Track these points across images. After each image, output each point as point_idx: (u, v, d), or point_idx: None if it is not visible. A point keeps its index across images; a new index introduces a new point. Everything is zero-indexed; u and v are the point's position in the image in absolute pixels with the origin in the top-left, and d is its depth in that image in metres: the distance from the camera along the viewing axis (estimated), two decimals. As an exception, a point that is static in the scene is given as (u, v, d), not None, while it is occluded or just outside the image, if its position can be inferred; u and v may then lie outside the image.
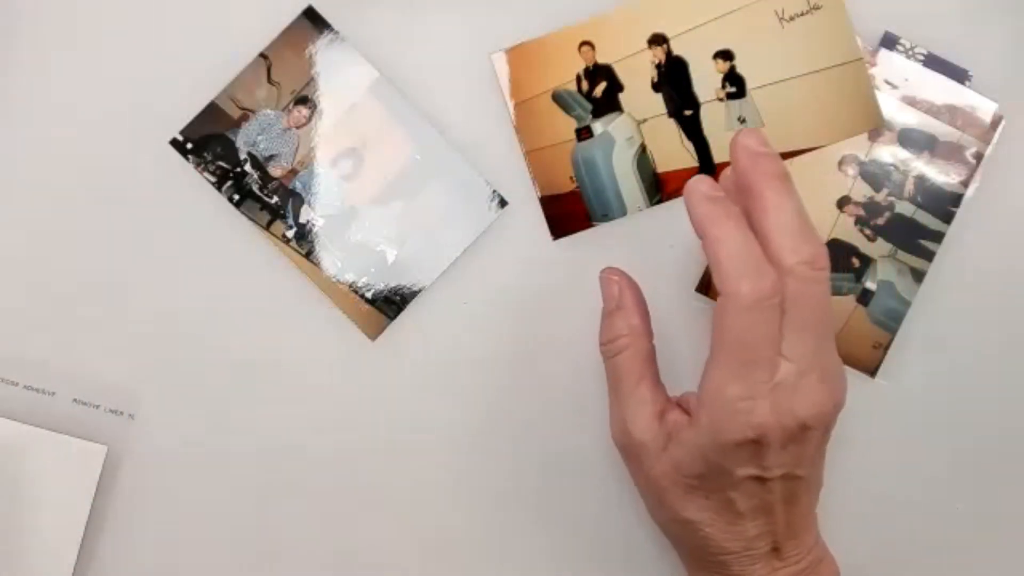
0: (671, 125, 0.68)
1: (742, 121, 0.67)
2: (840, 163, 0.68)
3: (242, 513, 0.69)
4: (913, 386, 0.69)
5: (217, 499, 0.69)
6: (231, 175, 0.67)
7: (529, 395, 0.70)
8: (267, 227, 0.68)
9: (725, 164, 0.67)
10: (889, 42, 0.68)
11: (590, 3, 0.68)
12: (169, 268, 0.68)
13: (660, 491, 0.58)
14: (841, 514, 0.68)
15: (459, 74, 0.69)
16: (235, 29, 0.67)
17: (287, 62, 0.67)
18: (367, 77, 0.68)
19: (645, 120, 0.68)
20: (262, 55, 0.67)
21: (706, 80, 0.68)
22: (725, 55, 0.67)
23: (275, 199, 0.68)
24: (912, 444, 0.69)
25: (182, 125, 0.67)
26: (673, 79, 0.68)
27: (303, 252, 0.68)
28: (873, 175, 0.68)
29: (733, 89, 0.68)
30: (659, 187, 0.68)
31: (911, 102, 0.68)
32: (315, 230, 0.68)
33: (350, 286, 0.68)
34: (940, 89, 0.68)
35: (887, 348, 0.68)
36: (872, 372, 0.68)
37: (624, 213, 0.68)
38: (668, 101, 0.68)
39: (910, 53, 0.68)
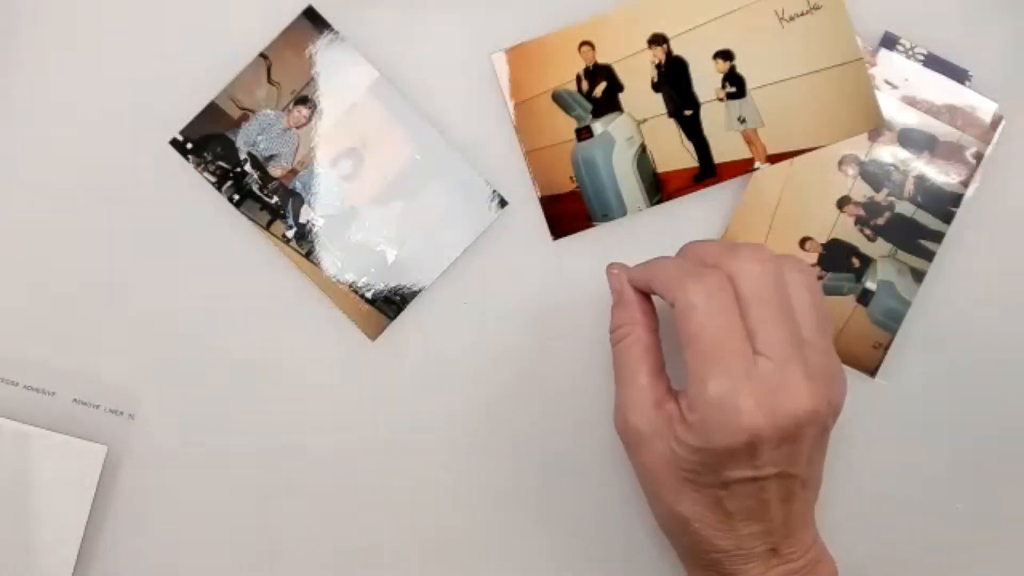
0: (671, 125, 0.68)
1: (742, 121, 0.68)
2: (840, 163, 0.68)
3: (242, 513, 0.69)
4: (913, 386, 0.69)
5: (217, 499, 0.69)
6: (231, 175, 0.68)
7: (529, 395, 0.70)
8: (267, 227, 0.68)
9: (725, 164, 0.68)
10: (889, 42, 0.68)
11: (590, 3, 0.68)
12: (169, 268, 0.68)
13: (656, 481, 0.58)
14: (841, 514, 0.68)
15: (459, 74, 0.69)
16: (235, 29, 0.68)
17: (287, 62, 0.68)
18: (367, 77, 0.68)
19: (645, 120, 0.68)
20: (262, 55, 0.67)
21: (706, 80, 0.68)
22: (725, 55, 0.68)
23: (275, 199, 0.68)
24: (912, 444, 0.69)
25: (182, 125, 0.67)
26: (673, 79, 0.68)
27: (303, 252, 0.68)
28: (873, 175, 0.68)
29: (733, 89, 0.68)
30: (659, 187, 0.68)
31: (911, 102, 0.68)
32: (315, 230, 0.68)
33: (350, 286, 0.68)
34: (940, 89, 0.68)
35: (887, 348, 0.68)
36: (872, 372, 0.68)
37: (624, 213, 0.68)
38: (668, 101, 0.68)
39: (910, 53, 0.68)
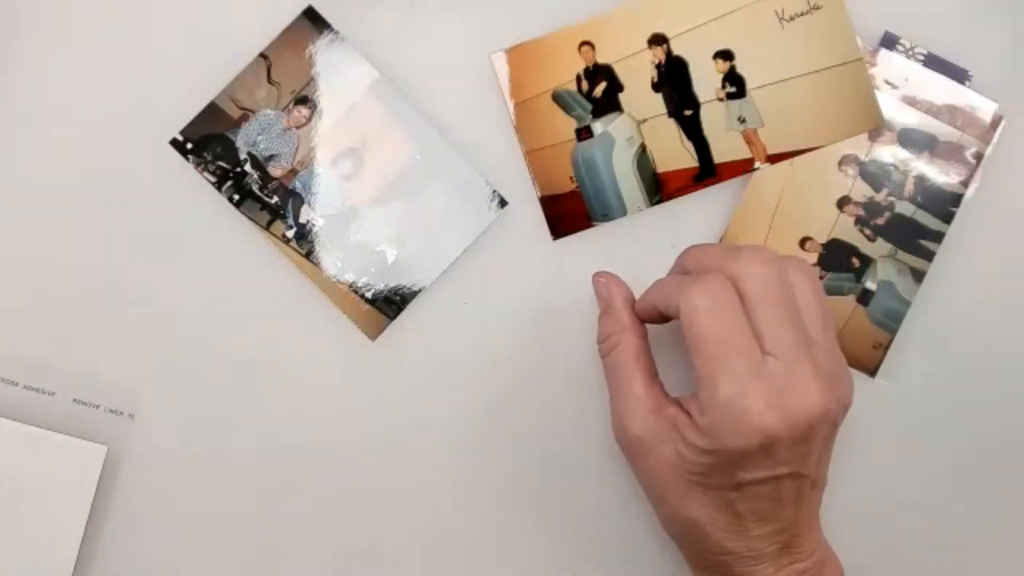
0: (671, 125, 0.68)
1: (742, 121, 0.68)
2: (840, 163, 0.68)
3: (242, 513, 0.70)
4: (913, 386, 0.69)
5: (217, 499, 0.70)
6: (231, 175, 0.68)
7: (529, 395, 0.70)
8: (267, 227, 0.68)
9: (725, 164, 0.68)
10: (889, 42, 0.68)
11: (590, 3, 0.68)
12: (169, 268, 0.68)
13: (661, 486, 0.59)
14: (841, 514, 0.68)
15: (459, 74, 0.69)
16: (235, 29, 0.68)
17: (287, 62, 0.68)
18: (367, 77, 0.68)
19: (645, 120, 0.68)
20: (262, 55, 0.68)
21: (706, 80, 0.68)
22: (725, 55, 0.68)
23: (275, 199, 0.68)
24: (912, 444, 0.69)
25: (182, 125, 0.67)
26: (673, 79, 0.68)
27: (303, 252, 0.68)
28: (873, 175, 0.68)
29: (733, 89, 0.68)
30: (659, 187, 0.68)
31: (911, 102, 0.68)
32: (315, 230, 0.68)
33: (350, 286, 0.68)
34: (940, 89, 0.68)
35: (887, 348, 0.68)
36: (872, 372, 0.68)
37: (624, 213, 0.68)
38: (668, 101, 0.68)
39: (910, 53, 0.68)
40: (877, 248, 0.68)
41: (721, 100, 0.68)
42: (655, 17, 0.68)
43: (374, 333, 0.69)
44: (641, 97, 0.68)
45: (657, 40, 0.68)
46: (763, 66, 0.68)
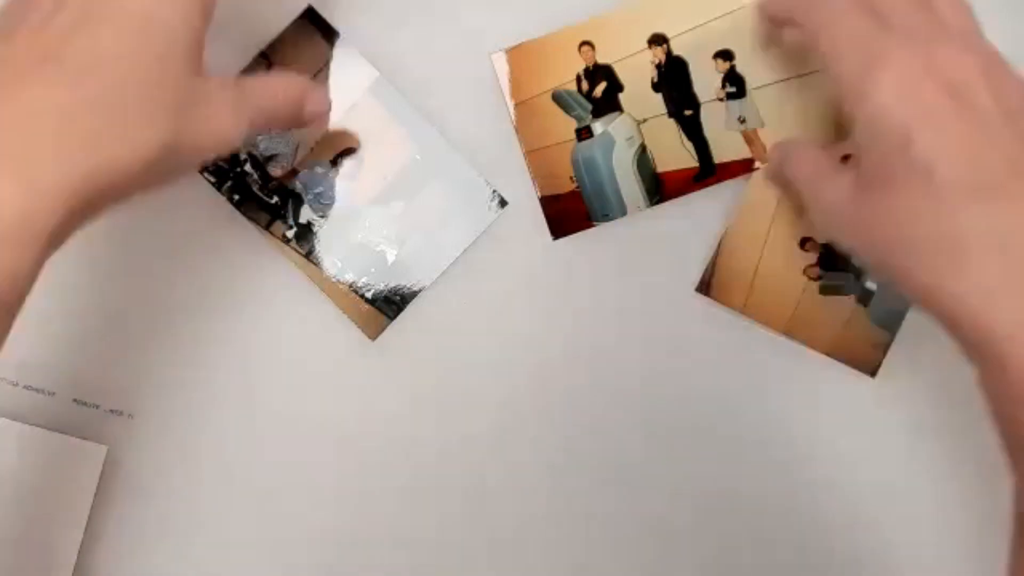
0: (671, 125, 0.68)
1: (742, 121, 0.68)
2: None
3: (242, 513, 0.70)
4: (913, 386, 0.69)
5: (217, 499, 0.70)
6: (231, 175, 0.68)
7: (529, 394, 0.70)
8: (267, 227, 0.68)
9: (725, 164, 0.68)
10: None
11: (590, 3, 0.68)
12: (169, 268, 0.69)
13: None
14: (841, 514, 0.69)
15: (459, 74, 0.70)
16: (235, 29, 0.68)
17: (287, 62, 0.68)
18: (367, 77, 0.68)
19: (645, 120, 0.69)
20: (262, 55, 0.68)
21: (706, 80, 0.68)
22: (725, 55, 0.68)
23: (275, 199, 0.68)
24: (912, 444, 0.70)
25: None
26: (673, 79, 0.68)
27: (303, 252, 0.68)
28: None
29: (733, 89, 0.68)
30: (659, 187, 0.68)
31: None
32: (315, 230, 0.68)
33: (350, 286, 0.69)
34: None
35: (887, 348, 0.68)
36: (872, 372, 0.68)
37: (624, 213, 0.69)
38: (668, 101, 0.68)
39: None
40: None
41: (721, 100, 0.68)
42: (655, 17, 0.68)
43: (374, 333, 0.69)
44: (641, 97, 0.69)
45: (657, 40, 0.68)
46: (763, 66, 0.68)
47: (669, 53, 0.68)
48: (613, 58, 0.68)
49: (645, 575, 0.71)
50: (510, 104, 0.69)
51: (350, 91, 0.68)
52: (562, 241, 0.69)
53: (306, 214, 0.68)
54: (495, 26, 0.69)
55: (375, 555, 0.71)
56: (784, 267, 0.68)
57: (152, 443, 0.70)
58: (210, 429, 0.70)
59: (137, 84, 0.51)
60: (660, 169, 0.69)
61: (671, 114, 0.69)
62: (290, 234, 0.68)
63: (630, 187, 0.69)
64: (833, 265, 0.68)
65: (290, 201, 0.68)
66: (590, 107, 0.69)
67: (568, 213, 0.69)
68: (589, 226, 0.69)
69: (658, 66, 0.68)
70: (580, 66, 0.69)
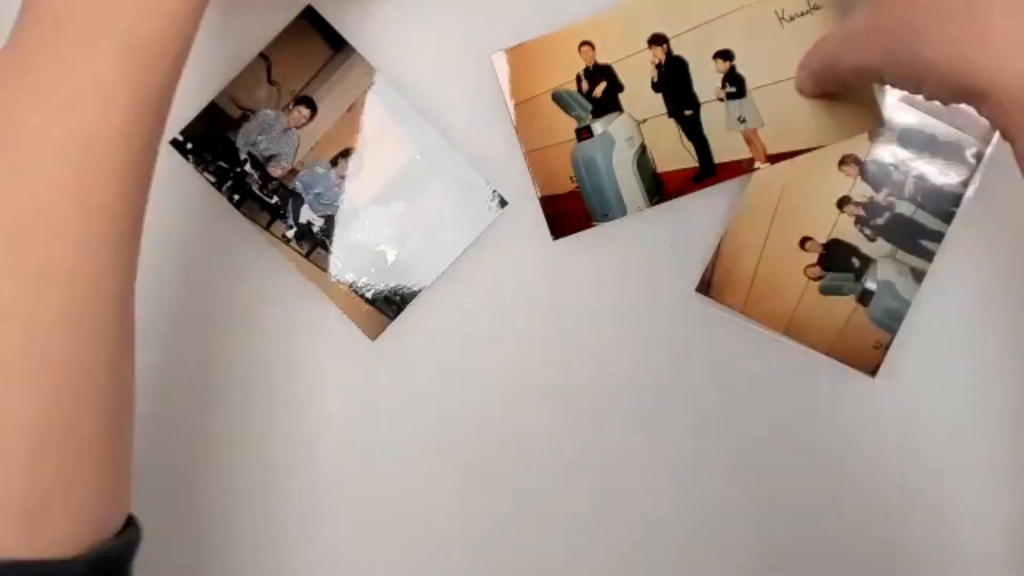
0: (671, 125, 0.69)
1: (742, 121, 0.68)
2: (840, 163, 0.69)
3: (242, 513, 0.71)
4: (913, 386, 0.70)
5: (216, 499, 0.70)
6: (231, 175, 0.68)
7: (528, 394, 0.71)
8: (267, 227, 0.69)
9: (725, 164, 0.68)
10: None
11: (590, 3, 0.69)
12: (169, 267, 0.69)
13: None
14: (841, 514, 0.69)
15: (459, 74, 0.70)
16: (235, 29, 0.68)
17: (287, 62, 0.68)
18: (367, 77, 0.69)
19: (645, 120, 0.69)
20: (262, 55, 0.68)
21: (706, 80, 0.69)
22: (725, 55, 0.68)
23: (275, 199, 0.69)
24: (912, 444, 0.70)
25: (182, 125, 0.68)
26: (673, 79, 0.69)
27: (303, 252, 0.69)
28: (873, 175, 0.69)
29: (733, 89, 0.68)
30: (659, 187, 0.69)
31: (911, 102, 0.68)
32: (315, 230, 0.69)
33: (350, 286, 0.69)
34: None
35: (887, 348, 0.68)
36: (872, 372, 0.69)
37: (624, 213, 0.69)
38: (668, 101, 0.69)
39: None
40: (877, 248, 0.69)
41: (721, 100, 0.68)
42: (655, 17, 0.68)
43: (374, 333, 0.69)
44: (641, 97, 0.69)
45: (657, 40, 0.68)
46: (763, 66, 0.68)
47: (669, 53, 0.68)
48: (613, 58, 0.69)
49: (641, 573, 0.71)
50: (510, 104, 0.69)
51: (350, 91, 0.69)
52: (562, 241, 0.70)
53: (306, 214, 0.69)
54: (495, 26, 0.70)
55: (376, 554, 0.71)
56: (784, 267, 0.69)
57: (152, 443, 0.68)
58: (210, 429, 0.70)
59: None
60: (660, 169, 0.69)
61: (671, 114, 0.69)
62: (290, 234, 0.69)
63: (630, 187, 0.69)
64: (833, 265, 0.69)
65: (290, 201, 0.69)
66: (590, 107, 0.69)
67: (568, 213, 0.69)
68: (589, 226, 0.69)
69: (658, 66, 0.69)
70: (580, 66, 0.69)
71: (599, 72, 0.69)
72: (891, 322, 0.69)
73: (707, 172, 0.69)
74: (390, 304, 0.69)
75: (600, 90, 0.69)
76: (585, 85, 0.69)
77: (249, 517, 0.71)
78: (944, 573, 0.70)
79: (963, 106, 0.67)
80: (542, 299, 0.71)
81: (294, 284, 0.69)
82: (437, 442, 0.71)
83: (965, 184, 0.68)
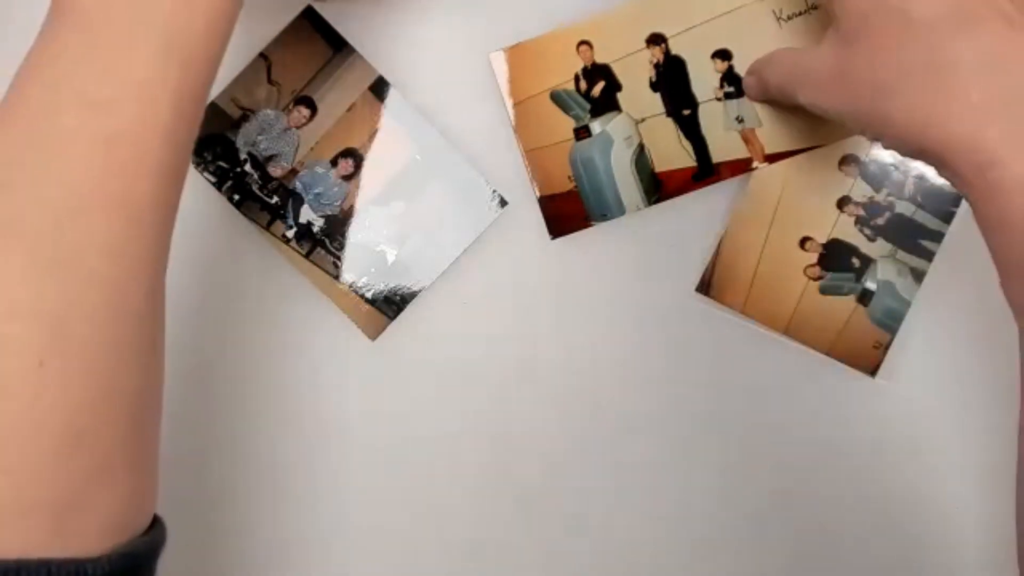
0: (669, 124, 0.69)
1: (740, 120, 0.69)
2: (840, 163, 0.69)
3: (242, 513, 0.71)
4: (913, 386, 0.70)
5: (216, 499, 0.71)
6: (231, 175, 0.69)
7: (528, 394, 0.71)
8: (267, 227, 0.69)
9: (723, 164, 0.69)
10: None
11: (589, 3, 0.69)
12: (169, 268, 0.68)
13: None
14: (841, 514, 0.70)
15: (458, 74, 0.71)
16: (235, 29, 0.68)
17: (287, 62, 0.69)
18: (367, 77, 0.70)
19: (643, 119, 0.70)
20: (262, 55, 0.69)
21: (704, 79, 0.69)
22: (723, 55, 0.69)
23: (275, 199, 0.69)
24: (912, 444, 0.70)
25: None
26: (671, 78, 0.69)
27: (303, 252, 0.69)
28: (873, 175, 0.69)
29: (731, 88, 0.69)
30: (657, 186, 0.69)
31: None
32: (315, 230, 0.69)
33: (350, 286, 0.70)
34: None
35: (887, 348, 0.69)
36: (872, 372, 0.69)
37: (622, 213, 0.69)
38: (666, 100, 0.69)
39: None
40: (877, 248, 0.69)
41: (719, 100, 0.69)
42: (653, 17, 0.69)
43: (374, 333, 0.70)
44: (639, 96, 0.70)
45: (655, 40, 0.69)
46: (762, 66, 0.69)
47: (667, 52, 0.69)
48: (611, 57, 0.69)
49: (641, 572, 0.72)
50: (509, 104, 0.70)
51: (350, 91, 0.70)
52: (560, 241, 0.70)
53: (306, 214, 0.69)
54: (494, 26, 0.70)
55: (377, 555, 0.71)
56: (784, 267, 0.69)
57: None
58: (210, 429, 0.71)
59: None
60: (658, 169, 0.69)
61: (669, 113, 0.69)
62: (290, 234, 0.69)
63: (628, 187, 0.69)
64: (833, 265, 0.69)
65: (290, 201, 0.69)
66: (588, 107, 0.70)
67: (567, 213, 0.70)
68: (587, 226, 0.70)
69: (656, 65, 0.69)
70: (578, 66, 0.70)
71: (597, 71, 0.70)
72: (891, 322, 0.69)
73: (705, 172, 0.69)
74: (390, 304, 0.70)
75: (598, 90, 0.70)
76: (583, 85, 0.70)
77: (248, 517, 0.71)
78: (945, 573, 0.70)
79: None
80: (541, 299, 0.71)
81: (294, 284, 0.70)
82: (437, 442, 0.71)
83: (965, 183, 0.69)
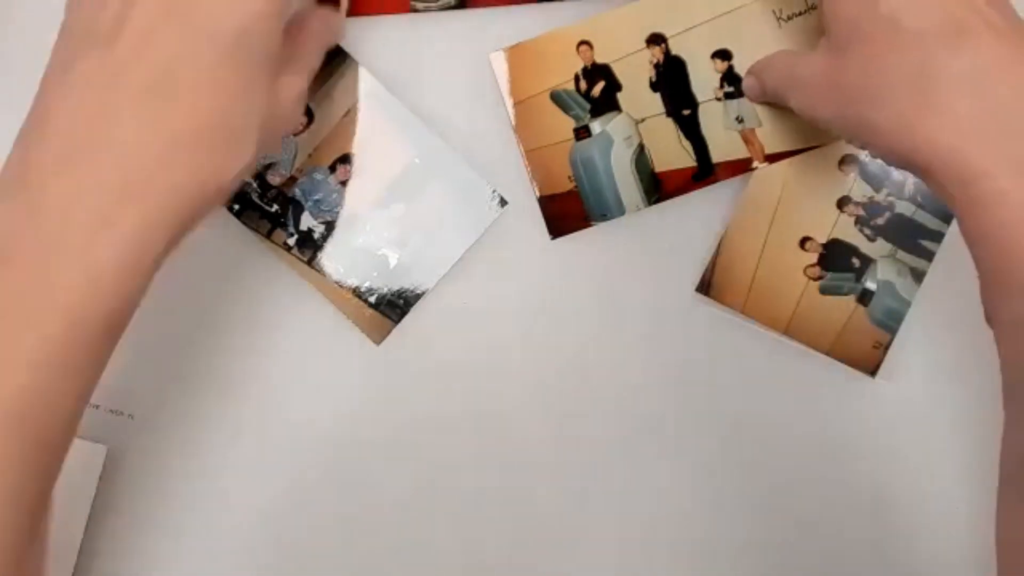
0: (669, 124, 0.70)
1: (740, 120, 0.69)
2: (840, 163, 0.70)
3: (243, 515, 0.72)
4: (913, 386, 0.71)
5: (217, 500, 0.72)
6: (230, 184, 0.69)
7: (529, 394, 0.72)
8: (268, 235, 0.69)
9: (723, 164, 0.69)
10: None
11: (588, 3, 0.70)
12: (171, 279, 0.66)
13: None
14: (841, 514, 0.71)
15: (458, 74, 0.71)
16: None
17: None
18: (364, 81, 0.70)
19: (643, 120, 0.70)
20: (258, 63, 0.69)
21: (704, 79, 0.70)
22: (723, 55, 0.69)
23: (275, 207, 0.69)
24: (912, 444, 0.71)
25: None
26: (671, 78, 0.70)
27: (305, 259, 0.70)
28: (873, 175, 0.70)
29: (731, 88, 0.69)
30: (657, 187, 0.70)
31: None
32: (316, 236, 0.70)
33: (353, 291, 0.70)
34: None
35: (887, 348, 0.70)
36: (872, 372, 0.70)
37: (622, 213, 0.70)
38: (666, 100, 0.70)
39: None
40: (877, 248, 0.70)
41: (719, 100, 0.70)
42: (653, 17, 0.69)
43: (379, 337, 0.71)
44: (639, 96, 0.70)
45: (655, 39, 0.69)
46: (761, 66, 0.69)
47: (667, 52, 0.69)
48: (611, 57, 0.70)
49: (641, 572, 0.73)
50: (509, 104, 0.70)
51: (347, 96, 0.70)
52: (560, 241, 0.71)
53: (306, 221, 0.70)
54: (494, 26, 0.70)
55: (379, 558, 0.72)
56: (784, 267, 0.70)
57: (152, 443, 0.71)
58: (212, 432, 0.71)
59: (238, 102, 0.54)
60: (658, 168, 0.70)
61: (669, 113, 0.70)
62: (291, 241, 0.70)
63: (628, 187, 0.70)
64: (833, 265, 0.70)
65: (290, 208, 0.70)
66: (588, 106, 0.70)
67: (566, 213, 0.70)
68: (587, 226, 0.70)
69: (656, 65, 0.70)
70: (578, 65, 0.70)
71: (597, 71, 0.70)
72: (891, 322, 0.70)
73: (705, 172, 0.70)
74: (394, 308, 0.70)
75: (598, 89, 0.70)
76: (583, 84, 0.70)
77: (249, 519, 0.72)
78: (946, 573, 0.71)
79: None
80: (541, 299, 0.72)
81: (297, 292, 0.70)
82: (444, 443, 0.72)
83: (965, 184, 0.69)
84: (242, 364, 0.71)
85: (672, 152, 0.70)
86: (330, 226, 0.70)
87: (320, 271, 0.70)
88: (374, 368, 0.71)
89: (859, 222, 0.70)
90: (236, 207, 0.69)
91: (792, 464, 0.72)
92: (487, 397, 0.72)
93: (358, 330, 0.71)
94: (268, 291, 0.71)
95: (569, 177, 0.70)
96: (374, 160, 0.70)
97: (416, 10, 0.70)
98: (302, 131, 0.70)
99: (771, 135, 0.70)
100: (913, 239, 0.70)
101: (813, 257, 0.70)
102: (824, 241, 0.70)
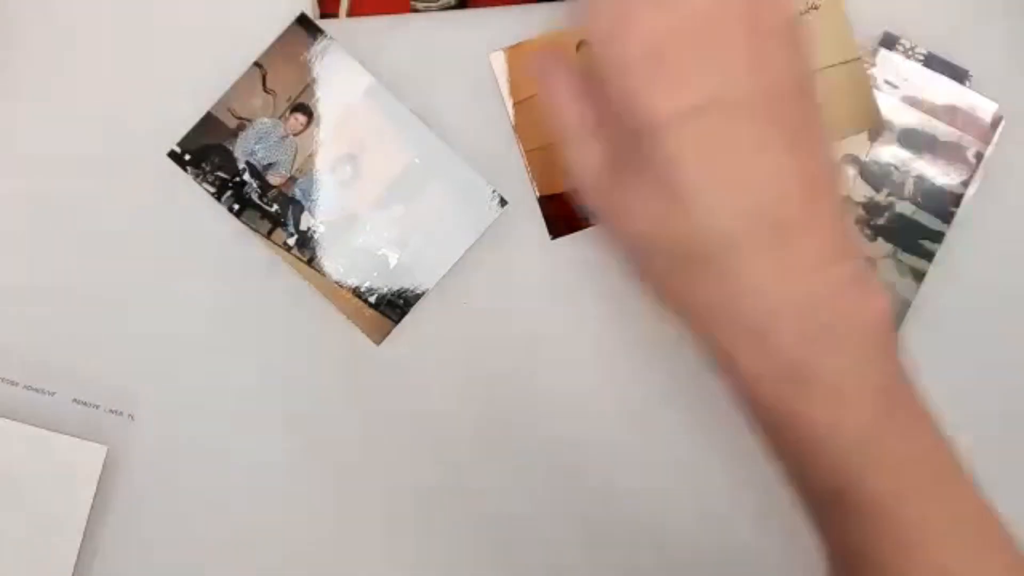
0: (669, 124, 0.70)
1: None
2: (840, 163, 0.70)
3: (242, 514, 0.72)
4: (913, 386, 0.71)
5: (217, 500, 0.72)
6: (230, 185, 0.70)
7: (530, 394, 0.73)
8: (268, 235, 0.70)
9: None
10: (889, 42, 0.70)
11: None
12: (171, 278, 0.70)
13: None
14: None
15: (457, 74, 0.71)
16: (228, 39, 0.69)
17: (282, 70, 0.69)
18: (363, 81, 0.70)
19: (643, 120, 0.70)
20: (256, 64, 0.69)
21: (705, 79, 0.70)
22: (724, 55, 0.70)
23: (275, 207, 0.70)
24: None
25: (179, 137, 0.69)
26: (672, 78, 0.70)
27: (305, 259, 0.70)
28: (873, 175, 0.70)
29: (732, 89, 0.70)
30: None
31: (911, 102, 0.70)
32: (316, 237, 0.70)
33: (353, 291, 0.70)
34: (940, 89, 0.70)
35: None
36: None
37: None
38: (666, 100, 0.70)
39: (910, 53, 0.70)
40: (877, 248, 0.70)
41: (720, 99, 0.70)
42: (654, 17, 0.70)
43: (379, 337, 0.71)
44: (640, 97, 0.70)
45: (655, 39, 0.70)
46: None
47: (668, 52, 0.70)
48: (612, 57, 0.70)
49: (641, 572, 0.73)
50: (509, 103, 0.70)
51: (346, 96, 0.70)
52: (560, 241, 0.71)
53: (307, 221, 0.70)
54: (494, 26, 0.71)
55: (380, 558, 0.73)
56: (784, 267, 0.70)
57: (152, 443, 0.71)
58: (215, 441, 0.72)
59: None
60: (659, 168, 0.70)
61: (669, 113, 0.70)
62: (291, 241, 0.70)
63: (629, 187, 0.70)
64: (833, 265, 0.70)
65: (290, 208, 0.70)
66: (588, 106, 0.70)
67: (566, 213, 0.71)
68: (587, 226, 0.71)
69: (656, 65, 0.70)
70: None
71: (597, 71, 0.70)
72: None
73: (706, 172, 0.70)
74: (394, 308, 0.71)
75: (598, 89, 0.70)
76: (583, 84, 0.70)
77: (250, 519, 0.73)
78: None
79: (963, 106, 0.70)
80: (541, 299, 0.72)
81: (297, 291, 0.71)
82: (445, 443, 0.73)
83: (965, 184, 0.70)
84: (242, 364, 0.72)
85: (672, 152, 0.70)
86: (330, 226, 0.70)
87: (320, 271, 0.70)
88: (374, 368, 0.72)
89: (859, 222, 0.70)
90: (236, 207, 0.70)
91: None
92: (487, 397, 0.73)
93: (358, 330, 0.71)
94: (268, 291, 0.71)
95: (569, 177, 0.71)
96: (374, 160, 0.71)
97: (416, 10, 0.70)
98: (302, 131, 0.70)
99: (771, 135, 0.70)
100: (913, 239, 0.70)
101: (813, 257, 0.70)
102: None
